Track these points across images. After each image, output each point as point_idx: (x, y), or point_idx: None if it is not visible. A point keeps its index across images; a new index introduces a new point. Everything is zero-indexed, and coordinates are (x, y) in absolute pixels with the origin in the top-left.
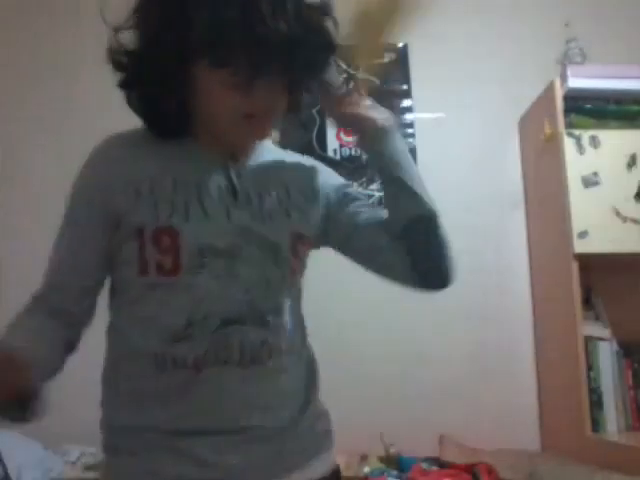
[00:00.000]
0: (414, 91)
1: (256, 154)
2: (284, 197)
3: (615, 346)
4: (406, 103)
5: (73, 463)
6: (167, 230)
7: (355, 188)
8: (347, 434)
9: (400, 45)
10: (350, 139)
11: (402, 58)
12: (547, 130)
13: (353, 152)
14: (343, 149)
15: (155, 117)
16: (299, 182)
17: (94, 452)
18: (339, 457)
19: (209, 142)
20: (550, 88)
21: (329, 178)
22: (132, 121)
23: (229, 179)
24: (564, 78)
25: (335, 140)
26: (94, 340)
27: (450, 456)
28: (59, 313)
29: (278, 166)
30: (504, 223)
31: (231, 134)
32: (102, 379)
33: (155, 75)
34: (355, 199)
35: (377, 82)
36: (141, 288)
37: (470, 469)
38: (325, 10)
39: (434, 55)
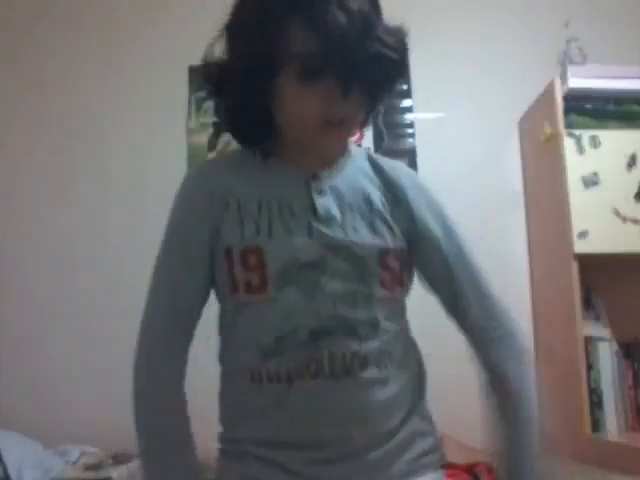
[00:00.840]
0: (414, 91)
1: (338, 168)
2: (367, 210)
3: (615, 346)
4: (406, 103)
5: (73, 463)
6: (253, 249)
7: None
8: None
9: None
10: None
11: (402, 58)
12: (547, 130)
13: None
14: None
15: (240, 126)
16: (383, 194)
17: (94, 452)
18: None
19: (292, 159)
20: (550, 88)
21: (421, 194)
22: (132, 122)
23: (310, 196)
24: (564, 78)
25: None
26: (94, 342)
27: (450, 456)
28: (186, 328)
29: (361, 179)
30: (504, 223)
31: (313, 142)
32: (219, 391)
33: (242, 86)
34: (456, 245)
35: None
36: (234, 307)
37: (470, 469)
38: (403, 31)
39: (434, 55)
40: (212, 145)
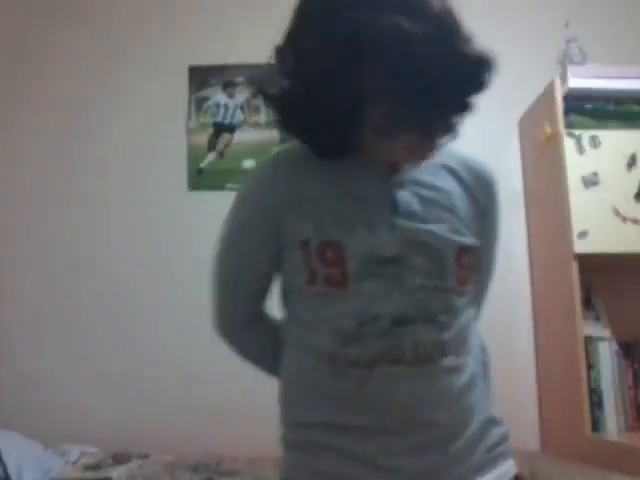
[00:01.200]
0: None
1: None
2: (446, 207)
3: (615, 346)
4: None
5: (73, 463)
6: (331, 244)
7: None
8: None
9: None
10: None
11: None
12: (547, 130)
13: None
14: None
15: (317, 145)
16: (464, 192)
17: (94, 452)
18: None
19: (369, 156)
20: (550, 88)
21: (493, 202)
22: (130, 120)
23: (390, 190)
24: (564, 78)
25: None
26: (95, 342)
27: None
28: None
29: (442, 174)
30: (504, 223)
31: (394, 160)
32: (282, 374)
33: (324, 116)
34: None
35: None
36: (311, 295)
37: None
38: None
39: None
40: (212, 145)
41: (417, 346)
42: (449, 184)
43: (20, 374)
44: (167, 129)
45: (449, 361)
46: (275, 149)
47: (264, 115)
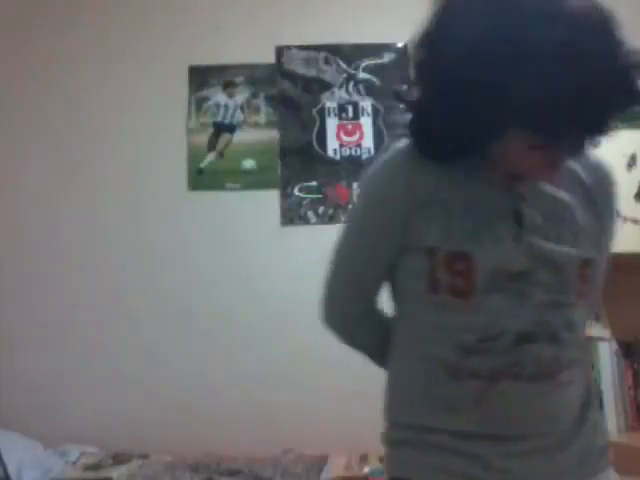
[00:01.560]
0: None
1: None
2: (568, 219)
3: (615, 346)
4: None
5: (73, 463)
6: (460, 255)
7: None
8: (347, 434)
9: (400, 45)
10: (350, 139)
11: (402, 58)
12: None
13: (353, 152)
14: (343, 149)
15: (445, 152)
16: (585, 202)
17: (94, 452)
18: (339, 457)
19: (493, 165)
20: None
21: (612, 213)
22: (130, 120)
23: (514, 202)
24: None
25: (335, 140)
26: (94, 343)
27: None
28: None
29: (564, 185)
30: None
31: (522, 171)
32: (392, 374)
33: (466, 127)
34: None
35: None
36: (431, 303)
37: None
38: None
39: None
40: (212, 145)
41: (538, 363)
42: (569, 191)
43: (20, 374)
44: (167, 129)
45: (564, 376)
46: (395, 145)
47: (264, 115)
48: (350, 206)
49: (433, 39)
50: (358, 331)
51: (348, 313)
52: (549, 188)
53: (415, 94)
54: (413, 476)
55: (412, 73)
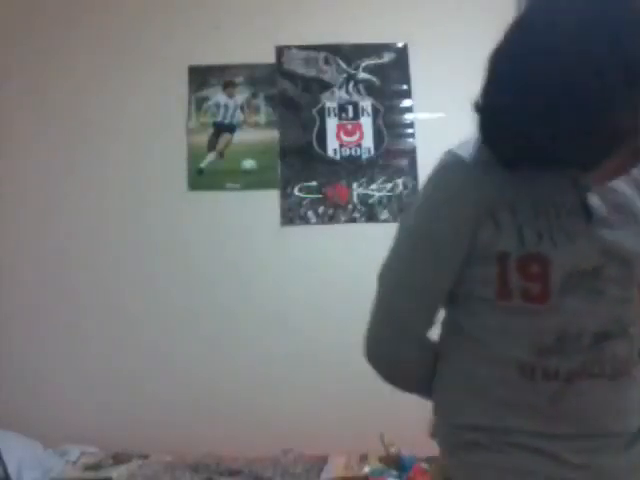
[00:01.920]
0: (414, 91)
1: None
2: (629, 213)
3: None
4: (406, 103)
5: (73, 463)
6: (535, 257)
7: None
8: (347, 434)
9: (400, 45)
10: (350, 139)
11: (402, 58)
12: None
13: (353, 152)
14: (343, 149)
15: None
16: (635, 187)
17: (94, 452)
18: (339, 457)
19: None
20: None
21: None
22: (130, 120)
23: (582, 198)
24: None
25: (335, 140)
26: (94, 343)
27: None
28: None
29: (633, 177)
30: None
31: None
32: (448, 377)
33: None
34: None
35: (377, 82)
36: (501, 308)
37: None
38: None
39: (434, 55)
40: (212, 145)
41: (615, 360)
42: (626, 186)
43: (20, 374)
44: (167, 129)
45: (636, 372)
46: (452, 149)
47: (264, 115)
48: (405, 221)
49: (516, 41)
50: (411, 361)
51: (405, 339)
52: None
53: (495, 103)
54: (491, 479)
55: (493, 82)
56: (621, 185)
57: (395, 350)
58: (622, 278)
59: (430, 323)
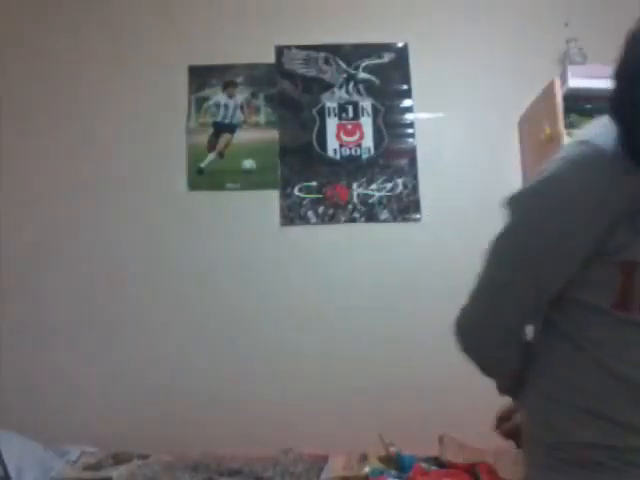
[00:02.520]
0: (414, 91)
1: None
2: None
3: None
4: (406, 103)
5: (73, 463)
6: None
7: None
8: (347, 434)
9: (400, 45)
10: (350, 139)
11: (402, 58)
12: (547, 130)
13: (353, 152)
14: (343, 149)
15: None
16: None
17: (94, 452)
18: (339, 457)
19: None
20: (550, 88)
21: None
22: (130, 120)
23: None
24: (564, 78)
25: (335, 140)
26: (95, 343)
27: (450, 456)
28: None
29: None
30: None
31: None
32: (550, 388)
33: None
34: None
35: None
36: (616, 320)
37: (470, 469)
38: None
39: (434, 55)
40: (212, 145)
41: None
42: None
43: (20, 374)
44: (167, 129)
45: None
46: (587, 135)
47: (264, 115)
48: (517, 208)
49: None
50: (506, 354)
51: (500, 333)
52: None
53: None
54: None
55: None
56: None
57: (488, 343)
58: None
59: (529, 320)
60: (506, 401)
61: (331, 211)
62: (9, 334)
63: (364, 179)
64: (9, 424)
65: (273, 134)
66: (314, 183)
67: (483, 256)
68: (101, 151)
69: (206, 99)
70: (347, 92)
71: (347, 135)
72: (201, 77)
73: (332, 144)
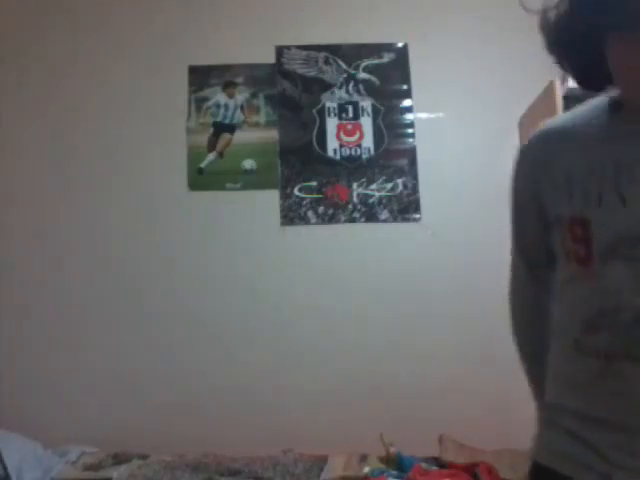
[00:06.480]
0: (414, 91)
1: None
2: None
3: None
4: (406, 103)
5: (73, 463)
6: (580, 220)
7: None
8: (347, 434)
9: (400, 45)
10: (350, 139)
11: (402, 58)
12: None
13: (353, 152)
14: (343, 149)
15: (580, 74)
16: None
17: (94, 452)
18: (339, 457)
19: (635, 115)
20: (550, 88)
21: None
22: (130, 120)
23: None
24: (564, 78)
25: (335, 140)
26: (95, 343)
27: (450, 456)
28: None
29: None
30: (504, 223)
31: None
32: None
33: (571, 42)
34: None
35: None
36: (566, 276)
37: (470, 469)
38: None
39: (434, 55)
40: (212, 145)
41: None
42: None
43: (20, 374)
44: (167, 129)
45: None
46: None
47: (264, 115)
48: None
49: None
50: (530, 333)
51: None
52: None
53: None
54: (542, 460)
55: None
56: None
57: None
58: None
59: (542, 280)
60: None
61: (331, 211)
62: (9, 334)
63: (364, 179)
64: (9, 424)
65: (273, 134)
66: (314, 183)
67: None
68: (101, 151)
69: (206, 99)
70: (347, 92)
71: (347, 135)
72: (201, 77)
73: (332, 144)
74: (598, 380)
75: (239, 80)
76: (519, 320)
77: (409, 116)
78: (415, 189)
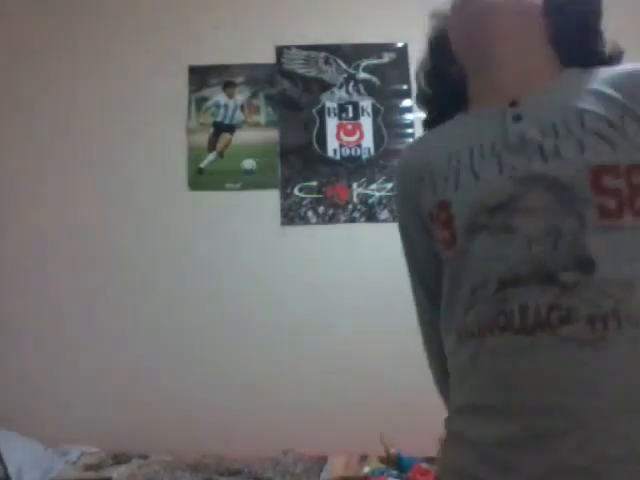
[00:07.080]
0: (414, 91)
1: (546, 90)
2: (575, 126)
3: None
4: (406, 103)
5: (73, 463)
6: (442, 204)
7: None
8: (347, 434)
9: (400, 45)
10: (350, 139)
11: (402, 58)
12: None
13: (353, 152)
14: (343, 149)
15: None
16: (603, 100)
17: (94, 452)
18: (339, 457)
19: (489, 98)
20: None
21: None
22: (130, 120)
23: (504, 127)
24: None
25: (335, 140)
26: (95, 342)
27: None
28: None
29: (576, 94)
30: None
31: (477, 56)
32: None
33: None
34: None
35: (377, 81)
36: (444, 267)
37: None
38: None
39: None
40: (212, 145)
41: (526, 311)
42: (581, 102)
43: (20, 374)
44: (167, 129)
45: (575, 330)
46: None
47: (264, 115)
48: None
49: None
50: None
51: (424, 312)
52: (553, 100)
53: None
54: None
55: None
56: (576, 101)
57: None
58: (553, 207)
59: (433, 284)
60: None
61: (331, 211)
62: (9, 334)
63: (364, 179)
64: (9, 424)
65: (273, 134)
66: (314, 183)
67: None
68: (101, 151)
69: (206, 99)
70: (347, 92)
71: (347, 135)
72: (201, 77)
73: (332, 144)
74: (474, 362)
75: (239, 80)
76: (435, 355)
77: (409, 116)
78: None
